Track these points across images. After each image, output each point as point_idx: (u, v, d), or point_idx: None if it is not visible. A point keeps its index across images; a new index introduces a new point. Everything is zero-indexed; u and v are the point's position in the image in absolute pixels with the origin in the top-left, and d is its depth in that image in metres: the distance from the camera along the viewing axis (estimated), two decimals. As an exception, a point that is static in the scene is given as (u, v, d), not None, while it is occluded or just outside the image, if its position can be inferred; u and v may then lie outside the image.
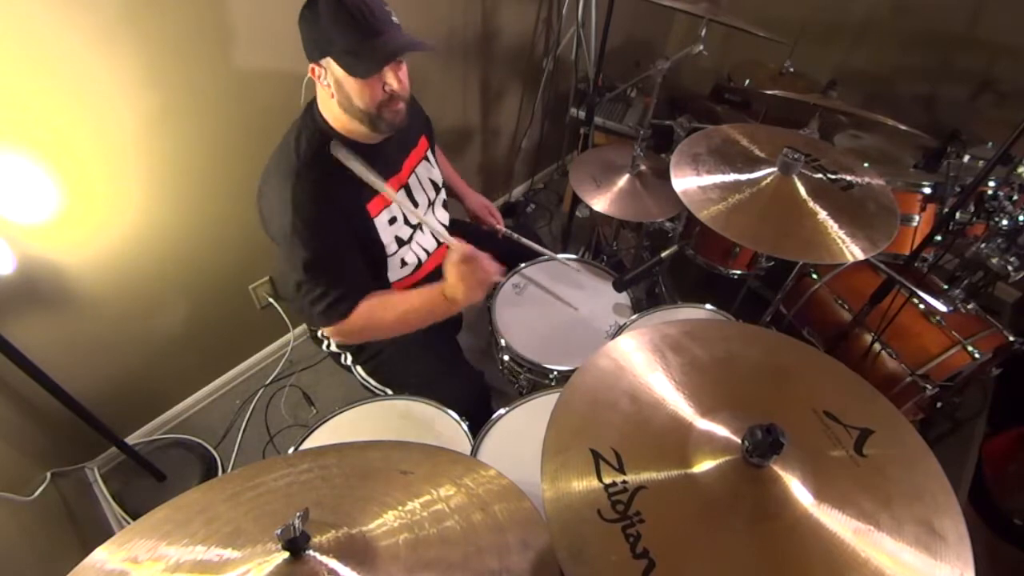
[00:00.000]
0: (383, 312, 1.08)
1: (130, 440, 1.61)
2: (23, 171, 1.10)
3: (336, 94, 0.99)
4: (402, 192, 1.18)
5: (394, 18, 0.97)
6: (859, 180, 1.17)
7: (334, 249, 1.03)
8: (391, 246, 1.15)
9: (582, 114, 2.14)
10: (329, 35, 0.92)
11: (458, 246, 1.04)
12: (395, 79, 0.98)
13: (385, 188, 1.05)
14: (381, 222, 1.12)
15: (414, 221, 1.21)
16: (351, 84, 0.96)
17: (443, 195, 1.33)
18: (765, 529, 0.55)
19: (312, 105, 1.06)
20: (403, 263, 1.19)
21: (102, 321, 1.38)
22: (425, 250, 1.26)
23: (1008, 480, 1.56)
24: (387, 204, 1.13)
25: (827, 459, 0.61)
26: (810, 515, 0.55)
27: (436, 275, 1.28)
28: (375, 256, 1.14)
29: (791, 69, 2.21)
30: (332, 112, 1.03)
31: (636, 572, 0.51)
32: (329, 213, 1.01)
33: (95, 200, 1.23)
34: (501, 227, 1.47)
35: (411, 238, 1.21)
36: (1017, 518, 1.47)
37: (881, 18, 2.25)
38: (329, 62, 0.95)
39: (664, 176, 1.54)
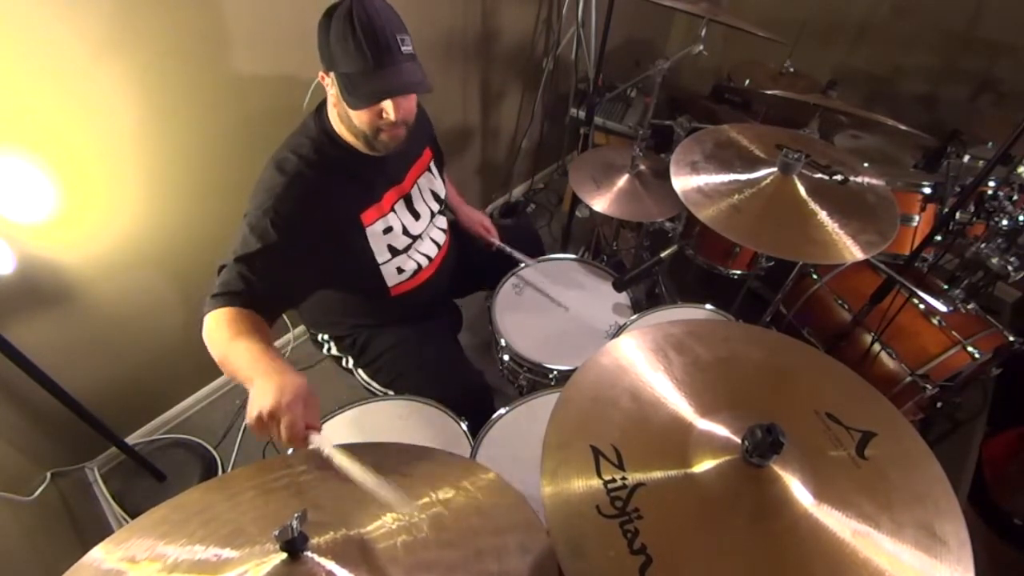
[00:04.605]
0: (222, 332, 0.90)
1: (130, 440, 1.61)
2: (22, 171, 1.10)
3: (337, 106, 1.00)
4: (401, 203, 1.18)
5: (406, 48, 0.94)
6: (857, 179, 1.17)
7: (278, 259, 0.96)
8: (382, 255, 1.14)
9: (582, 114, 2.14)
10: (334, 54, 0.92)
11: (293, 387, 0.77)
12: (393, 109, 0.96)
13: None
14: (374, 231, 1.11)
15: (415, 232, 1.21)
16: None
17: (444, 206, 1.33)
18: (764, 528, 0.55)
19: (323, 106, 1.06)
20: (400, 270, 1.19)
21: (102, 321, 1.38)
22: (427, 256, 1.26)
23: (1008, 480, 1.56)
24: (383, 214, 1.12)
25: (827, 460, 0.61)
26: (810, 515, 0.55)
27: (437, 280, 1.29)
28: (362, 264, 1.13)
29: (791, 69, 2.22)
30: (335, 120, 1.04)
31: (633, 568, 0.52)
32: (304, 224, 0.98)
33: (95, 200, 1.23)
34: (495, 240, 1.46)
35: (409, 247, 1.20)
36: (1017, 518, 1.47)
37: (881, 18, 2.25)
38: (334, 76, 0.95)
39: (664, 176, 1.54)
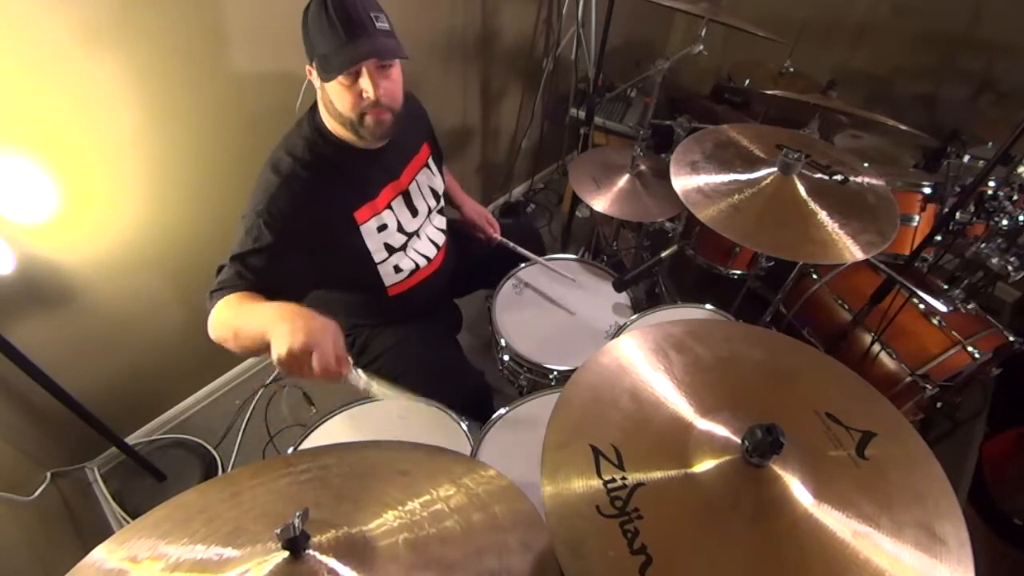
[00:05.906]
0: (230, 309, 0.93)
1: (130, 440, 1.61)
2: (23, 171, 1.10)
3: (324, 97, 1.00)
4: (400, 199, 1.18)
5: (381, 24, 0.94)
6: (857, 179, 1.17)
7: (274, 259, 0.97)
8: (379, 253, 1.14)
9: (582, 114, 2.14)
10: (312, 40, 0.94)
11: (324, 323, 0.81)
12: (371, 86, 0.95)
13: None
14: (368, 229, 1.11)
15: (411, 229, 1.21)
16: (331, 88, 0.97)
17: (442, 203, 1.33)
18: (764, 528, 0.55)
19: (316, 106, 1.06)
20: (397, 269, 1.19)
21: (102, 321, 1.38)
22: (424, 256, 1.25)
23: (1008, 480, 1.56)
24: (377, 212, 1.12)
25: (827, 460, 0.61)
26: (810, 515, 0.55)
27: (436, 280, 1.29)
28: (359, 262, 1.13)
29: (791, 69, 2.22)
30: (325, 114, 1.04)
31: (633, 568, 0.52)
32: (298, 225, 0.99)
33: (94, 200, 1.23)
34: (496, 235, 1.45)
35: (406, 245, 1.20)
36: (1017, 518, 1.47)
37: (881, 18, 2.25)
38: (315, 63, 0.96)
39: (664, 176, 1.54)
